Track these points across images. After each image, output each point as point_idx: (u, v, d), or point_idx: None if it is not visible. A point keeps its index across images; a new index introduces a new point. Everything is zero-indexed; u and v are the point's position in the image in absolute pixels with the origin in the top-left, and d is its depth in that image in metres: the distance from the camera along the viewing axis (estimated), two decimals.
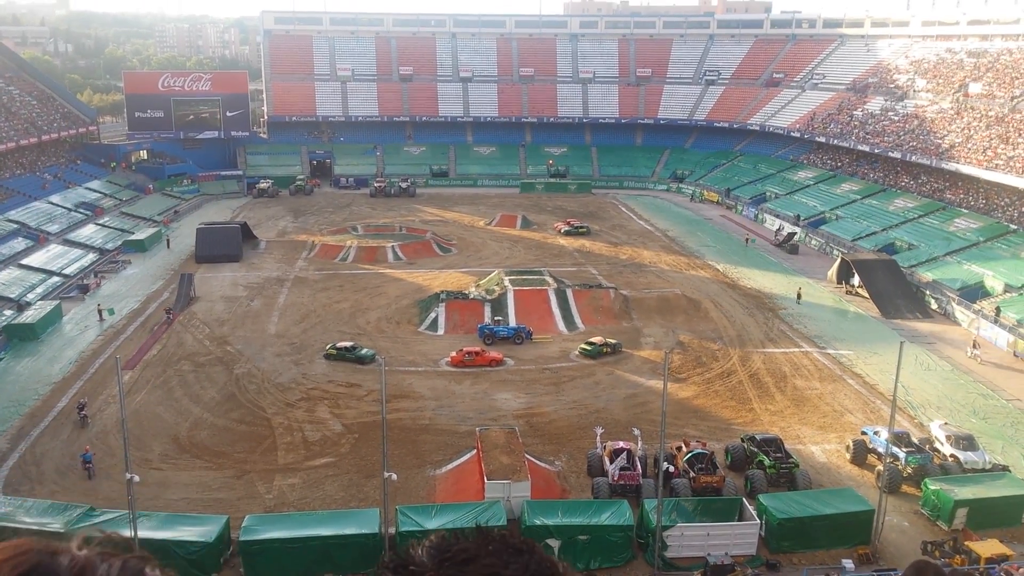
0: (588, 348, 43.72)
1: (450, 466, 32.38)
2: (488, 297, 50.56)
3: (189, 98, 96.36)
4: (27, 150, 79.20)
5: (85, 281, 57.08)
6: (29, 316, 47.66)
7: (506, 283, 52.15)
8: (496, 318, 47.63)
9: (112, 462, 31.60)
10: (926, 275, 56.07)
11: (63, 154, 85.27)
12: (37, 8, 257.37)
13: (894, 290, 54.04)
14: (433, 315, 49.10)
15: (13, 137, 76.93)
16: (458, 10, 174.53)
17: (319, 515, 27.94)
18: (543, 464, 32.34)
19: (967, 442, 33.03)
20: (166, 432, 35.13)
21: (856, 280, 55.69)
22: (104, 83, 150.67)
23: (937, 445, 33.31)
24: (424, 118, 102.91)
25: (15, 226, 62.95)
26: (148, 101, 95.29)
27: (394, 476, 27.04)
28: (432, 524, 26.61)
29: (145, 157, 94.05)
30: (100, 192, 79.75)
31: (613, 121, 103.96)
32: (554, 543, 26.79)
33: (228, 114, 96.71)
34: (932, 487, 29.50)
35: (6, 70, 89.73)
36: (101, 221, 71.56)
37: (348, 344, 43.42)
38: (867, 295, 53.84)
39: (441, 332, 47.59)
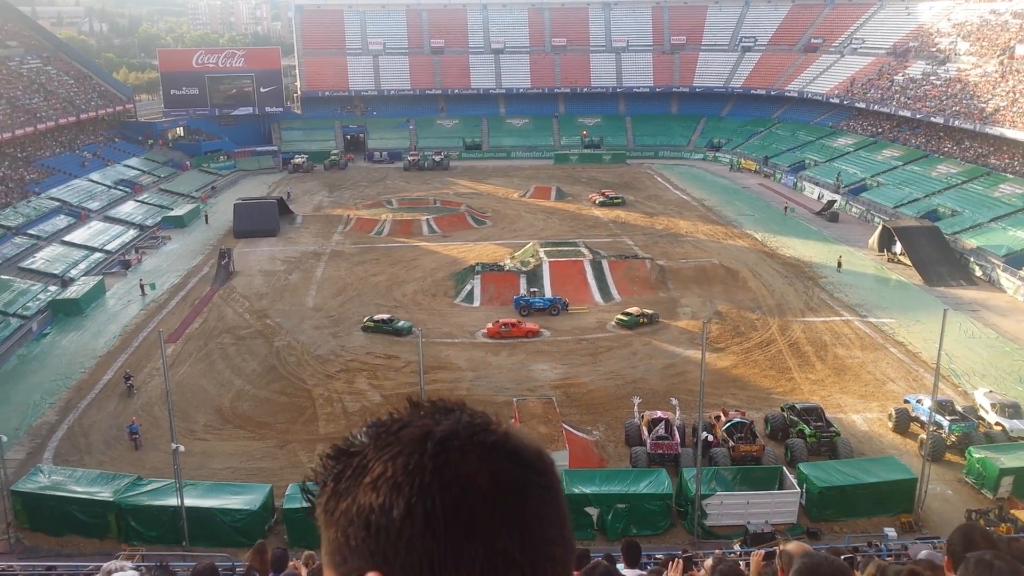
0: (625, 318, 43.53)
1: None
2: (523, 269, 50.50)
3: (223, 75, 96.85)
4: (66, 129, 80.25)
5: (127, 257, 57.95)
6: (73, 291, 48.59)
7: (541, 254, 52.02)
8: (532, 289, 47.58)
9: (157, 433, 32.18)
10: (970, 242, 54.98)
11: (101, 132, 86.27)
12: None
13: (937, 257, 53.04)
14: (469, 287, 49.16)
15: (52, 116, 77.95)
16: None
17: None
18: (580, 434, 32.38)
19: (1012, 410, 32.51)
20: (209, 404, 35.69)
21: (898, 247, 54.74)
22: (139, 61, 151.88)
23: (982, 413, 32.83)
24: (456, 91, 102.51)
25: (57, 204, 63.95)
26: (183, 78, 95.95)
27: None
28: None
29: (182, 134, 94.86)
30: (138, 169, 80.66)
31: (647, 90, 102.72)
32: (593, 511, 26.91)
33: (262, 90, 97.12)
34: (977, 455, 29.11)
35: (43, 50, 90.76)
36: (140, 198, 72.44)
37: (385, 316, 43.67)
38: (909, 263, 52.93)
39: (477, 304, 47.67)
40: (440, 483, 1.11)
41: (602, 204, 70.76)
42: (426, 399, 1.37)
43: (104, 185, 72.25)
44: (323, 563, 1.25)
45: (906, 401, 33.55)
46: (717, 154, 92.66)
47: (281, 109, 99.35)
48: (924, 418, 30.68)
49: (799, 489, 27.43)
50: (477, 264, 52.30)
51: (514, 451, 1.18)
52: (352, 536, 1.15)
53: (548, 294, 47.13)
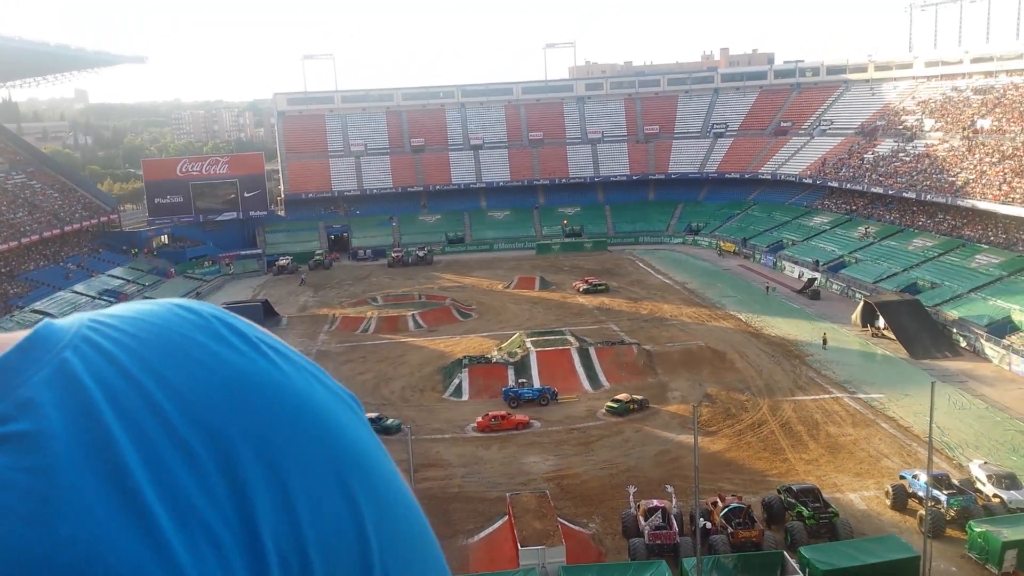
0: (615, 406, 43.33)
1: (482, 534, 31.91)
2: (511, 360, 50.44)
3: (207, 181, 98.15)
4: (50, 241, 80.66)
5: None
6: None
7: (528, 345, 52.05)
8: (520, 380, 47.41)
9: None
10: (952, 313, 55.51)
11: (85, 243, 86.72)
12: (57, 104, 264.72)
13: (920, 330, 53.47)
14: (457, 381, 48.97)
15: (36, 230, 78.46)
16: (466, 81, 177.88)
17: None
18: (577, 527, 31.81)
19: (1009, 480, 32.27)
20: None
21: (881, 322, 55.17)
22: (123, 172, 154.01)
23: (979, 486, 32.55)
24: (437, 187, 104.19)
25: (40, 317, 63.65)
26: (167, 187, 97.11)
27: None
28: None
29: (166, 242, 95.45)
30: (123, 279, 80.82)
31: (624, 178, 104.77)
32: None
33: (246, 195, 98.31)
34: (978, 529, 28.72)
35: (28, 165, 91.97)
36: None
37: (373, 416, 43.18)
38: (893, 336, 53.28)
39: (466, 397, 47.40)
40: None
41: (586, 291, 71.21)
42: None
43: (88, 296, 72.24)
44: None
45: (902, 477, 33.25)
46: (696, 237, 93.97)
47: (265, 212, 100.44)
48: (921, 494, 30.38)
49: (801, 574, 26.91)
50: (464, 357, 52.20)
51: None
52: None
53: (537, 384, 46.94)
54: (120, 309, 1.02)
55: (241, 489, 0.91)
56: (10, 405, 0.88)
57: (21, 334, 0.99)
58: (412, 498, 1.07)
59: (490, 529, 31.97)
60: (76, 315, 1.02)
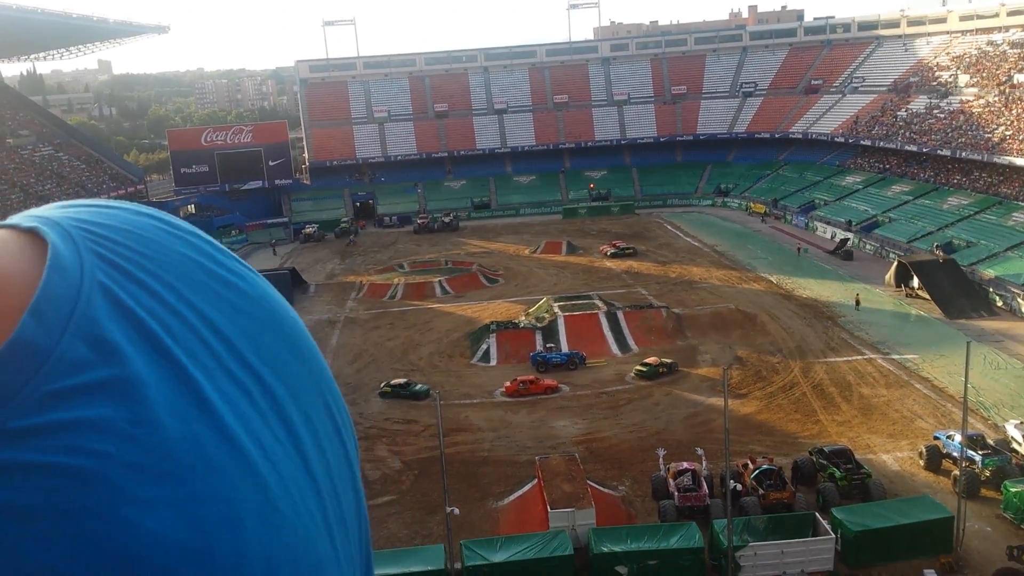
0: (643, 369, 43.06)
1: (512, 497, 31.96)
2: (538, 325, 50.25)
3: (232, 151, 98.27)
4: None
5: None
6: None
7: (556, 309, 51.81)
8: (548, 345, 47.25)
9: None
10: (988, 272, 54.46)
11: None
12: (81, 76, 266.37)
13: (956, 290, 52.51)
14: (485, 346, 48.91)
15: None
16: (488, 44, 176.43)
17: (384, 554, 27.66)
18: (606, 490, 31.76)
19: None
20: None
21: (915, 282, 54.25)
22: (149, 142, 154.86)
23: (1015, 445, 32.03)
24: (462, 152, 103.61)
25: None
26: (193, 157, 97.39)
27: (456, 511, 26.74)
28: (498, 557, 26.21)
29: (193, 211, 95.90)
30: None
31: (651, 140, 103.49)
32: (623, 569, 26.22)
33: (271, 163, 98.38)
34: (1013, 489, 28.32)
35: (55, 137, 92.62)
36: None
37: (402, 381, 43.38)
38: (928, 297, 52.40)
39: (494, 363, 47.35)
40: None
41: (613, 255, 70.67)
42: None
43: None
44: None
45: (936, 438, 32.82)
46: (726, 199, 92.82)
47: (290, 181, 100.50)
48: (956, 454, 29.97)
49: (833, 535, 26.69)
50: (492, 323, 52.08)
51: None
52: None
53: (565, 349, 46.78)
54: (104, 218, 0.93)
55: (287, 421, 0.92)
56: (85, 347, 0.80)
57: (9, 234, 0.87)
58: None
59: (520, 492, 32.00)
60: (53, 213, 0.92)
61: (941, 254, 57.55)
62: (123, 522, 0.75)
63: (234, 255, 1.03)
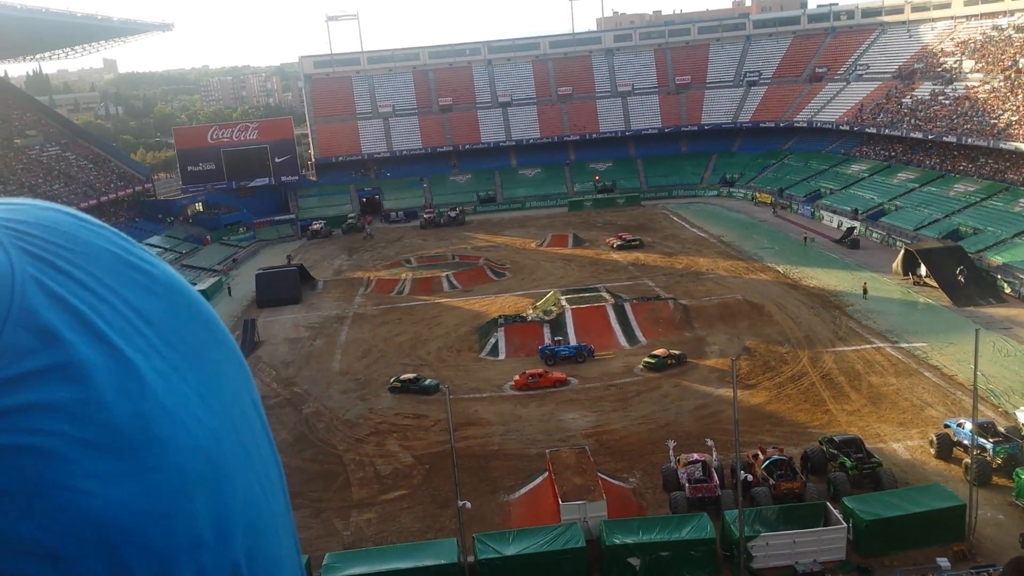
0: (652, 361, 43.15)
1: (523, 490, 32.13)
2: (546, 318, 50.35)
3: (238, 148, 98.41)
4: (87, 212, 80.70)
5: None
6: None
7: (563, 302, 51.90)
8: (556, 338, 47.36)
9: None
10: (995, 259, 54.36)
11: (121, 213, 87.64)
12: (86, 75, 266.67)
13: (964, 277, 52.39)
14: (493, 340, 49.02)
15: (73, 201, 79.29)
16: (491, 36, 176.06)
17: (397, 548, 27.88)
18: (617, 482, 31.90)
19: None
20: None
21: (923, 270, 54.17)
22: (156, 141, 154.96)
23: None
24: (467, 146, 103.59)
25: None
26: (199, 154, 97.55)
27: (468, 504, 26.90)
28: (511, 550, 26.37)
29: (201, 209, 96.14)
30: (160, 247, 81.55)
31: (656, 131, 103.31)
32: (635, 561, 26.36)
33: (277, 160, 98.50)
34: None
35: (61, 136, 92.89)
36: None
37: (411, 376, 43.55)
38: (935, 284, 52.32)
39: (502, 356, 47.48)
40: None
41: (620, 247, 70.69)
42: None
43: None
44: None
45: (946, 426, 32.83)
46: (731, 190, 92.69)
47: (297, 177, 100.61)
48: (967, 442, 30.01)
49: (845, 524, 26.77)
50: (500, 316, 52.20)
51: None
52: None
53: (573, 342, 46.87)
54: (20, 215, 1.02)
55: (218, 392, 1.05)
56: (28, 335, 0.88)
57: None
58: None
59: (531, 485, 32.17)
60: None
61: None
62: (87, 493, 0.85)
63: (142, 246, 1.13)
